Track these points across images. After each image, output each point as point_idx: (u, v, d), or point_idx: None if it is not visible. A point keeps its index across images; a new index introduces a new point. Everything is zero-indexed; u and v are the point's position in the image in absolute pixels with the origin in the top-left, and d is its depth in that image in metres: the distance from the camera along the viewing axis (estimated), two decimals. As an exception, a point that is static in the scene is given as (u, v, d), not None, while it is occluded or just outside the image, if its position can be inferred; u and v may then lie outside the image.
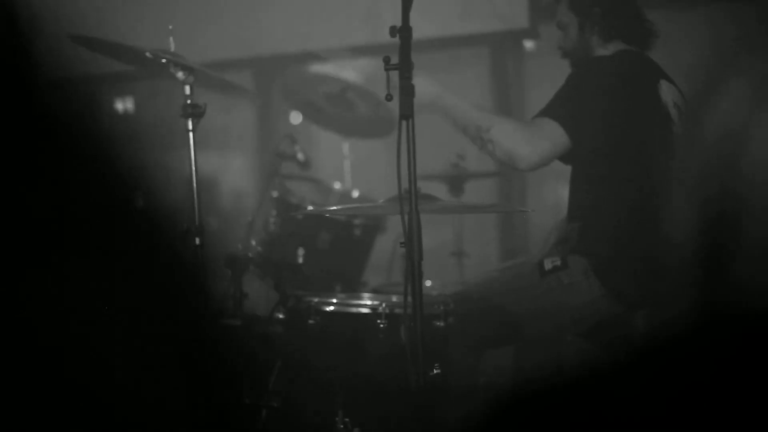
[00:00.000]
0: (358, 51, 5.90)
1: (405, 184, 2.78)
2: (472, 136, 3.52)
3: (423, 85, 3.51)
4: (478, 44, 6.14)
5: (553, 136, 3.40)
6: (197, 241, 3.53)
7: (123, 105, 7.45)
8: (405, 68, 2.78)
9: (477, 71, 6.23)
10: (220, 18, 6.23)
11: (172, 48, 3.57)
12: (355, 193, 4.49)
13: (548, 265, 3.47)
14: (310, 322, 3.32)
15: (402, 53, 2.80)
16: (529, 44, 6.06)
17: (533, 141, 3.42)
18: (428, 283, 4.32)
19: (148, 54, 3.51)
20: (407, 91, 2.76)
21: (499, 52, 6.15)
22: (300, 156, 4.47)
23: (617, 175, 3.43)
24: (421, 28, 5.47)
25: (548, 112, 3.43)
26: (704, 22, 5.35)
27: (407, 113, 2.73)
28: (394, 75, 2.78)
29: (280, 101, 6.52)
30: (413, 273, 2.79)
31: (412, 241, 2.78)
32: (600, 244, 3.45)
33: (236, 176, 6.82)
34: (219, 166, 6.99)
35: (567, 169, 3.64)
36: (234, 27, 6.24)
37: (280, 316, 3.45)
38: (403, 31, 2.81)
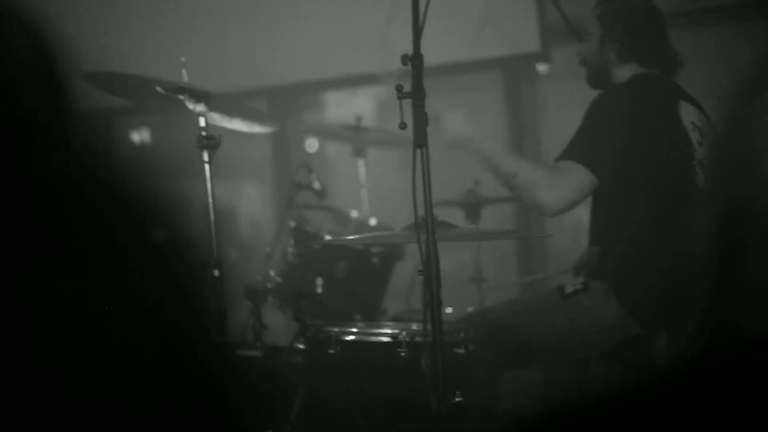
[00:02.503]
0: (371, 78, 5.91)
1: (422, 212, 2.79)
2: (501, 180, 3.53)
3: (458, 125, 3.55)
4: (491, 68, 6.15)
5: (579, 179, 3.38)
6: (216, 273, 3.54)
7: (139, 136, 7.50)
8: (417, 96, 2.79)
9: (491, 95, 6.24)
10: (233, 48, 6.26)
11: (186, 79, 3.60)
12: (373, 221, 4.49)
13: (569, 288, 3.47)
14: (331, 351, 3.31)
15: (414, 81, 2.81)
16: (542, 67, 6.06)
17: (558, 188, 3.40)
18: (448, 310, 4.31)
19: (158, 89, 3.54)
20: (420, 120, 2.76)
21: (512, 75, 6.15)
22: (316, 185, 4.48)
23: (637, 198, 3.42)
24: (434, 53, 5.48)
25: (571, 153, 3.41)
26: (716, 40, 5.35)
27: (421, 142, 2.74)
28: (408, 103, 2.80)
29: (296, 130, 6.54)
30: (432, 301, 2.79)
31: (429, 269, 2.78)
32: (620, 268, 3.44)
33: (253, 206, 6.83)
34: (236, 196, 7.01)
35: (587, 199, 3.65)
36: (247, 57, 6.26)
37: (301, 346, 3.45)
38: (415, 59, 2.82)
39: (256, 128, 4.15)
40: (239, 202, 7.00)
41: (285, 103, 6.61)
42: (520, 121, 6.07)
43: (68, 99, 1.08)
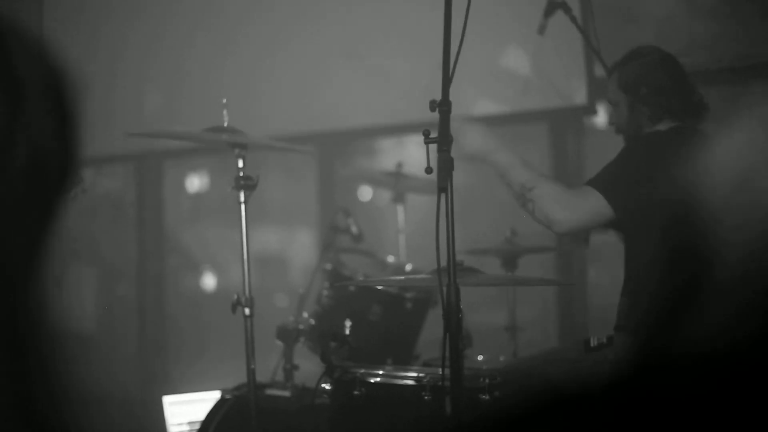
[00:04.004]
0: (417, 127, 5.96)
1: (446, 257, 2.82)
2: (515, 193, 3.55)
3: (479, 135, 3.58)
4: (538, 120, 6.18)
5: (594, 205, 3.43)
6: (247, 312, 3.59)
7: (199, 180, 7.61)
8: (443, 142, 2.83)
9: (537, 147, 6.26)
10: (283, 92, 6.35)
11: (226, 122, 3.66)
12: (408, 267, 4.52)
13: (594, 342, 3.48)
14: (356, 393, 3.33)
15: (441, 127, 2.86)
16: (588, 121, 6.09)
17: (571, 207, 3.45)
18: (480, 357, 4.32)
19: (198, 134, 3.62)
20: (445, 165, 2.80)
21: (558, 128, 6.18)
22: (354, 229, 4.52)
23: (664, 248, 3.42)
24: (484, 105, 5.56)
25: (594, 181, 3.46)
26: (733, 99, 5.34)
27: (445, 186, 2.78)
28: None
29: (341, 176, 6.61)
30: (452, 343, 2.81)
31: (450, 313, 2.81)
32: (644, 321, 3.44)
33: (303, 251, 6.90)
34: (287, 242, 7.08)
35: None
36: (296, 101, 6.35)
37: (327, 387, 3.48)
38: (443, 105, 2.87)
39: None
40: (289, 247, 7.07)
41: (333, 149, 6.68)
42: (565, 173, 6.08)
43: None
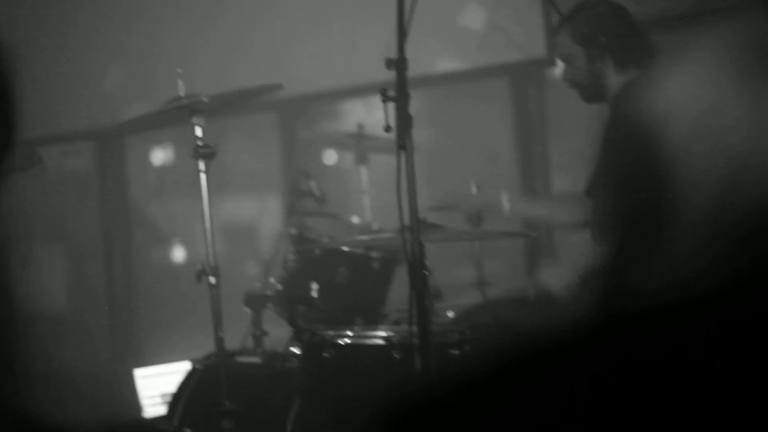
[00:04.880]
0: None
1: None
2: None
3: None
4: (499, 75, 6.15)
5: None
6: (212, 280, 3.57)
7: (163, 153, 7.55)
8: (401, 99, 2.82)
9: (499, 102, 6.24)
10: (242, 58, 6.30)
11: (182, 92, 3.63)
12: (375, 227, 4.50)
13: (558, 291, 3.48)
14: (325, 355, 3.33)
15: (398, 84, 2.84)
16: (548, 73, 6.07)
17: None
18: (450, 313, 4.32)
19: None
20: (403, 122, 2.79)
21: (519, 81, 6.16)
22: (316, 191, 4.50)
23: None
24: (441, 62, 5.53)
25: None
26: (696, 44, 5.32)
27: (404, 144, 2.77)
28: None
29: (308, 142, 6.57)
30: (418, 301, 2.81)
31: (414, 270, 2.80)
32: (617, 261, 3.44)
33: (270, 218, 6.85)
34: (253, 210, 7.04)
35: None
36: (255, 68, 6.30)
37: (296, 350, 3.47)
38: (398, 63, 2.85)
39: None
40: (252, 214, 7.03)
41: (295, 114, 6.63)
42: (529, 127, 6.07)
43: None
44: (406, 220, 2.83)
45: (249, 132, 6.91)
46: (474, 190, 4.72)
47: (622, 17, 3.58)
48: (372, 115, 6.22)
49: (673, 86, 1.08)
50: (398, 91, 2.83)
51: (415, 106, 2.87)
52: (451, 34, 5.87)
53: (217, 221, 3.64)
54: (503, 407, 1.01)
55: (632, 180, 1.08)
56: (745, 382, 0.93)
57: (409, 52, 2.91)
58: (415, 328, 2.83)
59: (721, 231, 0.98)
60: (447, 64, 6.01)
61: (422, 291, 2.80)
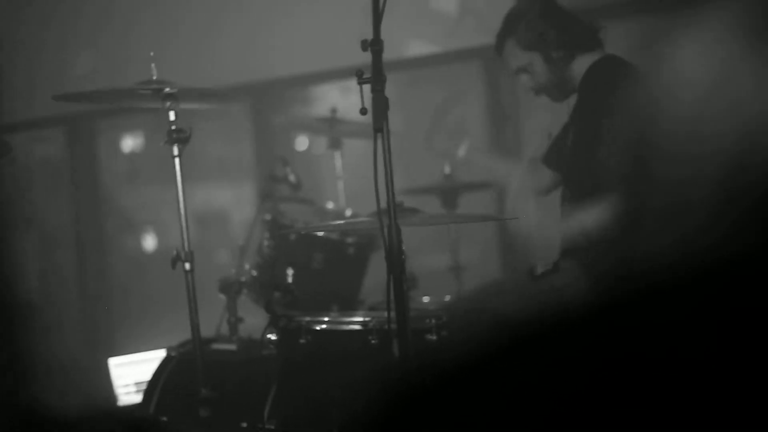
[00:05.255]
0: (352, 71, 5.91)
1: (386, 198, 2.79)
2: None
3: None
4: (472, 58, 6.14)
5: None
6: (187, 266, 3.54)
7: (133, 140, 7.50)
8: (377, 81, 2.79)
9: (471, 85, 6.23)
10: (213, 46, 6.26)
11: (155, 75, 3.58)
12: (348, 212, 4.48)
13: (539, 269, 3.46)
14: (302, 341, 3.30)
15: (374, 66, 2.81)
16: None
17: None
18: (425, 299, 4.31)
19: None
20: (380, 104, 2.76)
21: (492, 65, 6.14)
22: (291, 178, 4.47)
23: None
24: (414, 45, 5.50)
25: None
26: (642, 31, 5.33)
27: (380, 126, 2.74)
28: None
29: (280, 127, 6.54)
30: (396, 286, 2.78)
31: (392, 255, 2.77)
32: (591, 244, 3.43)
33: (243, 204, 6.82)
34: (226, 196, 7.00)
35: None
36: (227, 54, 6.26)
37: (273, 337, 3.44)
38: (374, 45, 2.82)
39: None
40: (225, 200, 7.00)
41: (269, 100, 6.60)
42: (501, 109, 6.06)
43: None
44: (383, 204, 2.80)
45: (220, 117, 6.87)
46: (447, 171, 4.72)
47: (557, 9, 3.60)
48: (346, 99, 6.21)
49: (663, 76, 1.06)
50: (374, 73, 2.80)
51: (387, 90, 2.84)
52: (422, 18, 5.85)
53: (189, 208, 3.60)
54: (486, 395, 0.99)
55: (632, 153, 1.06)
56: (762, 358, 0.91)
57: (382, 34, 2.88)
58: (392, 314, 2.80)
59: (734, 197, 0.96)
60: (419, 48, 5.99)
61: (400, 276, 2.77)
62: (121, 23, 6.42)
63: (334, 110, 4.81)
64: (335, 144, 4.88)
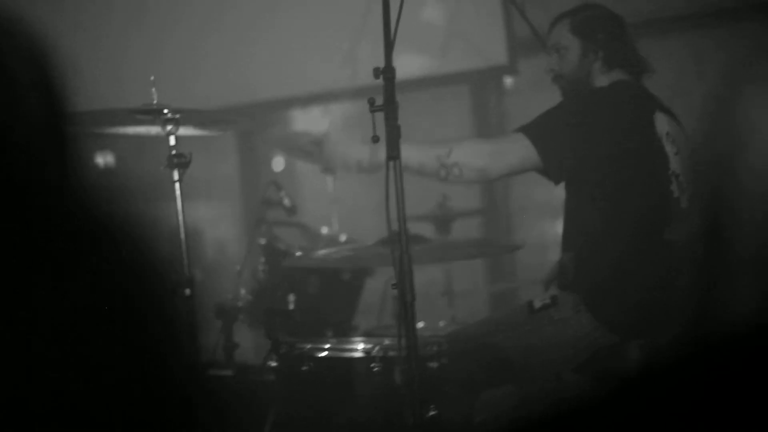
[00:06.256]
0: (341, 95, 5.91)
1: (393, 226, 2.79)
2: (432, 170, 3.48)
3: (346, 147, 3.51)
4: (458, 82, 6.15)
5: (523, 151, 3.41)
6: (188, 292, 3.50)
7: (104, 159, 7.43)
8: (390, 109, 2.79)
9: (458, 109, 6.24)
10: (201, 66, 6.24)
11: (155, 100, 3.56)
12: (343, 237, 4.47)
13: (537, 303, 3.46)
14: (303, 368, 3.28)
15: (386, 94, 2.81)
16: (509, 80, 6.08)
17: (498, 154, 3.45)
18: (420, 324, 4.30)
19: (136, 115, 3.52)
20: (393, 133, 2.76)
21: (479, 89, 6.16)
22: (286, 202, 4.46)
23: (608, 205, 3.42)
24: (400, 67, 5.48)
25: (523, 127, 3.44)
26: (685, 47, 5.38)
27: (394, 154, 2.74)
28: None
29: (263, 149, 6.52)
30: (406, 314, 2.78)
31: (404, 282, 2.77)
32: (591, 275, 3.44)
33: (220, 226, 6.80)
34: (203, 216, 6.96)
35: (551, 207, 3.62)
36: (213, 76, 6.24)
37: (273, 364, 3.42)
38: (387, 72, 2.82)
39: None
40: (208, 222, 6.96)
41: (252, 122, 6.57)
42: (488, 135, 6.07)
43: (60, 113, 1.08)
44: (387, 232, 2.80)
45: (205, 142, 6.84)
46: (441, 199, 4.73)
47: (620, 25, 3.62)
48: (324, 121, 6.20)
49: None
50: (386, 101, 2.80)
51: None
52: (411, 41, 5.86)
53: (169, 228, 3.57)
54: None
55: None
56: None
57: (370, 59, 2.89)
58: (403, 341, 2.79)
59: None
60: (406, 70, 6.00)
61: (412, 303, 2.77)
62: (106, 43, 6.39)
63: (326, 134, 4.79)
64: (328, 169, 4.86)
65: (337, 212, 4.85)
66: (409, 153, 3.37)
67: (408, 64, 5.93)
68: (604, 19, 3.62)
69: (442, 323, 4.27)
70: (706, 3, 5.41)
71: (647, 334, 3.40)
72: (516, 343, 3.44)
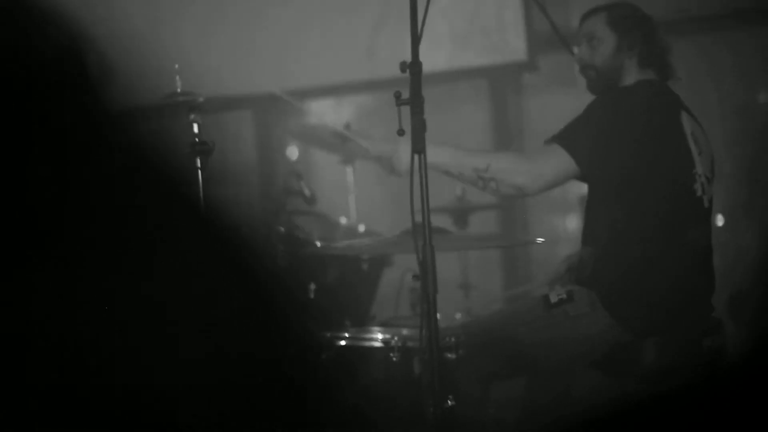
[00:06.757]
0: (358, 87, 5.94)
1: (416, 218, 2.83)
2: (470, 180, 3.52)
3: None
4: (477, 77, 6.17)
5: (560, 162, 3.42)
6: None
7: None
8: (416, 103, 2.82)
9: (476, 105, 6.26)
10: (219, 54, 6.25)
11: (179, 87, 3.60)
12: (361, 228, 4.50)
13: (554, 298, 3.48)
14: (323, 356, 3.32)
15: (413, 88, 2.84)
16: (528, 76, 6.10)
17: (536, 170, 3.46)
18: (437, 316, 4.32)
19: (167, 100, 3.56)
20: (419, 126, 2.79)
21: (498, 85, 6.18)
22: (306, 191, 4.49)
23: (631, 202, 3.44)
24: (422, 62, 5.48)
25: (558, 138, 3.46)
26: (704, 50, 5.40)
27: (419, 148, 2.77)
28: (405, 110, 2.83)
29: (281, 138, 6.54)
30: (428, 306, 2.81)
31: (426, 274, 2.80)
32: (610, 272, 3.46)
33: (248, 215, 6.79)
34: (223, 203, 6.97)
35: (567, 202, 3.64)
36: (233, 65, 6.26)
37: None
38: (413, 67, 2.86)
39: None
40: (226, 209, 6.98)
41: (270, 112, 6.60)
42: (506, 130, 6.09)
43: (102, 98, 1.10)
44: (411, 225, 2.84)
45: (222, 129, 6.86)
46: (459, 193, 4.76)
47: (654, 27, 3.63)
48: (338, 113, 6.24)
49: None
50: (413, 95, 2.83)
51: (390, 107, 2.87)
52: (431, 35, 5.87)
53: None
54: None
55: None
56: None
57: (388, 53, 2.92)
58: (424, 332, 2.82)
59: None
60: (425, 65, 6.01)
61: (434, 296, 2.81)
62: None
63: (347, 126, 4.82)
64: (348, 159, 4.90)
65: (354, 203, 4.88)
66: (445, 160, 3.42)
67: (426, 58, 5.96)
68: (641, 18, 3.62)
69: (458, 315, 4.30)
70: (722, 4, 5.43)
71: (663, 333, 3.42)
72: (532, 337, 3.46)
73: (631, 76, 3.57)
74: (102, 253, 1.02)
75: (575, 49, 3.68)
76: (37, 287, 1.01)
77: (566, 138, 3.44)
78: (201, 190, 3.57)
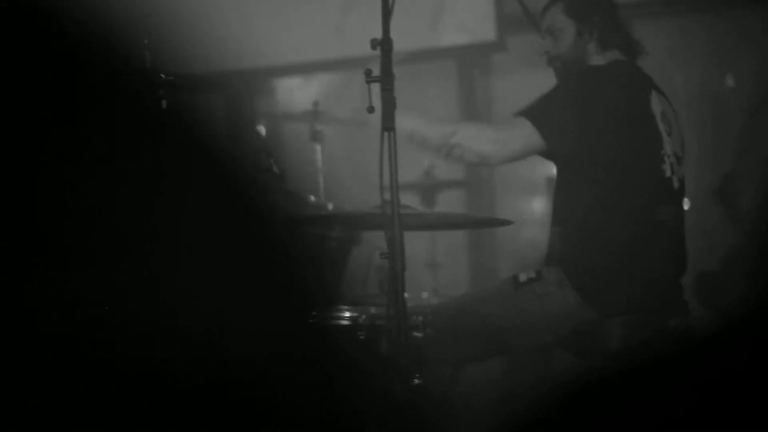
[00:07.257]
0: (327, 66, 5.93)
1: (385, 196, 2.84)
2: (435, 146, 3.54)
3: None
4: (445, 58, 6.17)
5: (525, 135, 3.44)
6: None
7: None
8: (386, 80, 2.82)
9: (444, 85, 6.26)
10: (186, 34, 6.22)
11: (148, 63, 3.58)
12: (330, 206, 4.49)
13: (523, 277, 3.51)
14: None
15: (383, 65, 2.84)
16: (496, 57, 6.10)
17: (501, 139, 3.49)
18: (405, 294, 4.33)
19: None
20: (389, 104, 2.80)
21: (466, 65, 6.18)
22: (275, 169, 4.47)
23: (599, 181, 3.46)
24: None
25: (526, 111, 3.47)
26: (677, 31, 5.42)
27: (389, 125, 2.77)
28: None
29: (249, 116, 6.52)
30: (396, 283, 2.82)
31: (394, 252, 2.81)
32: (578, 252, 3.48)
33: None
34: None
35: (534, 183, 3.65)
36: (200, 43, 6.23)
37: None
38: (384, 44, 2.86)
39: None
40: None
41: (239, 90, 6.59)
42: (474, 111, 6.10)
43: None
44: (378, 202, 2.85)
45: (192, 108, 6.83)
46: (426, 167, 4.76)
47: (613, 7, 3.65)
48: (304, 92, 6.23)
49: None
50: (383, 73, 2.83)
51: (362, 84, 2.88)
52: (398, 14, 5.86)
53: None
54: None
55: None
56: None
57: (358, 32, 2.92)
58: (392, 310, 2.83)
59: None
60: (395, 45, 6.01)
61: (402, 273, 2.81)
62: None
63: (316, 103, 4.82)
64: (316, 137, 4.89)
65: (323, 181, 4.88)
66: (415, 124, 3.44)
67: (395, 38, 5.95)
68: (597, 1, 3.65)
69: (425, 294, 4.31)
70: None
71: (630, 312, 3.45)
72: (501, 316, 3.48)
73: (596, 59, 3.60)
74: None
75: (541, 43, 3.70)
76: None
77: (534, 112, 3.46)
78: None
